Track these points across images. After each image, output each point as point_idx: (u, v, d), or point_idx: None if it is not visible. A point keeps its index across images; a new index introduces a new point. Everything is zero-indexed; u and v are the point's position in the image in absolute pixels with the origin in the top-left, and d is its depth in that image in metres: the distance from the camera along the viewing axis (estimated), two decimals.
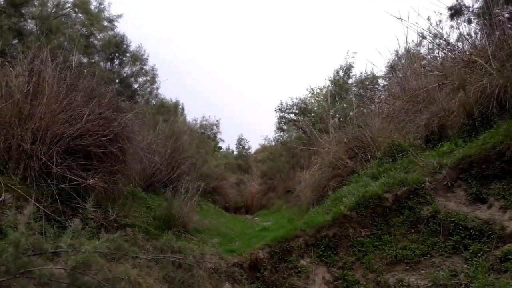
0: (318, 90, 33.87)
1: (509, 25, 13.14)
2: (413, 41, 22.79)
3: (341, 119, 23.25)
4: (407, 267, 7.99)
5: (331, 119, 18.80)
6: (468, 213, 7.95)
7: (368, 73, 30.17)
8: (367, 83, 30.08)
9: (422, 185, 8.79)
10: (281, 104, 32.97)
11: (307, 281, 8.82)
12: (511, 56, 11.08)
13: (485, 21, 14.30)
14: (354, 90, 31.41)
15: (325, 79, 42.18)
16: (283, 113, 34.03)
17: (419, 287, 7.27)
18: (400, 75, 22.20)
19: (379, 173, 11.17)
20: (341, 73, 33.03)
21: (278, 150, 33.53)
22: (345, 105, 27.69)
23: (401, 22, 15.73)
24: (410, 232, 8.49)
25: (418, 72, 17.31)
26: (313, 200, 15.46)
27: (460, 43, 16.48)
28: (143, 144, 12.20)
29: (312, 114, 32.65)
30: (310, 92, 33.45)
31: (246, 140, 42.96)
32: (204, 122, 31.15)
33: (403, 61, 24.76)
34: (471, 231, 7.60)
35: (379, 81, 29.17)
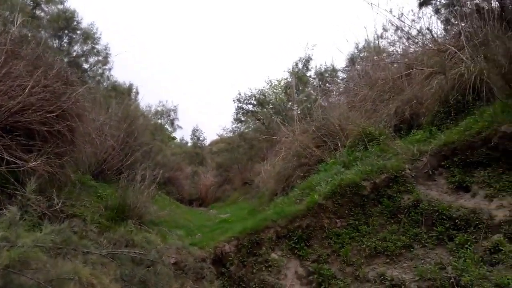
0: (276, 82, 33.31)
1: (477, 15, 13.01)
2: (376, 33, 22.60)
3: (304, 109, 22.82)
4: (388, 260, 7.40)
5: (296, 107, 18.13)
6: (452, 202, 7.48)
7: (328, 65, 30.01)
8: (327, 75, 29.88)
9: (402, 173, 8.26)
10: (240, 94, 32.09)
11: (278, 275, 8.04)
12: (485, 45, 10.87)
13: (453, 11, 14.13)
14: (313, 82, 31.14)
15: (284, 71, 41.67)
16: (241, 104, 33.17)
17: (404, 282, 6.68)
18: (359, 67, 22.08)
19: (350, 161, 10.60)
20: (300, 65, 32.61)
21: (236, 141, 32.64)
22: (304, 98, 27.32)
23: (372, 7, 15.31)
24: (389, 222, 7.93)
25: (383, 62, 17.05)
26: (276, 190, 14.75)
27: (421, 35, 16.36)
28: (95, 125, 10.88)
29: (270, 106, 32.09)
30: (268, 83, 32.83)
31: (201, 131, 41.71)
32: (161, 108, 29.51)
33: (362, 54, 24.74)
34: (456, 221, 7.12)
35: (339, 74, 29.07)
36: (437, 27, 15.34)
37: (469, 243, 6.69)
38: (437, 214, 7.41)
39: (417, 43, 16.32)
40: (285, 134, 15.91)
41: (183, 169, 26.23)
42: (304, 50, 36.69)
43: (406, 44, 17.12)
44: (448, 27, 14.69)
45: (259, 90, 31.96)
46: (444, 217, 7.31)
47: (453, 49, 11.44)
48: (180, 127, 32.50)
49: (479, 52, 10.65)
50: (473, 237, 6.74)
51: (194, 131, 41.82)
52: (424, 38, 15.72)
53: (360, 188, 8.37)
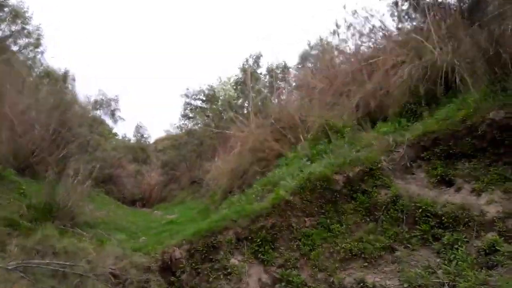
0: (226, 79, 32.07)
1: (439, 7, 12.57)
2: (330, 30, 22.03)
3: (257, 105, 21.77)
4: (366, 264, 6.43)
5: (247, 104, 16.99)
6: (435, 197, 6.66)
7: (280, 61, 29.24)
8: (278, 72, 29.10)
9: (378, 165, 7.35)
10: (188, 89, 30.50)
11: (239, 284, 6.82)
12: (452, 36, 10.34)
13: (414, 4, 13.65)
14: (264, 79, 30.27)
15: (235, 68, 40.53)
16: (189, 99, 31.58)
17: None
18: (311, 65, 21.40)
19: (314, 155, 9.64)
20: (250, 62, 31.59)
21: (184, 138, 31.01)
22: (253, 95, 26.33)
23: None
24: (366, 220, 6.97)
25: (339, 58, 16.36)
26: (230, 188, 13.55)
27: (373, 33, 15.82)
28: (18, 109, 9.09)
29: (220, 103, 30.83)
30: (218, 80, 31.50)
31: (146, 128, 39.47)
32: (100, 97, 26.62)
33: (314, 52, 24.14)
34: (443, 218, 6.29)
35: (291, 71, 28.37)
36: (391, 24, 14.68)
37: (459, 243, 5.85)
38: (420, 211, 6.55)
39: (370, 39, 15.74)
40: (239, 129, 14.73)
41: (125, 166, 24.17)
42: (255, 45, 35.63)
43: (359, 42, 16.51)
44: (406, 22, 14.14)
45: (208, 85, 30.57)
46: (428, 214, 6.46)
47: (420, 38, 10.81)
48: (122, 119, 29.21)
49: (446, 43, 10.09)
50: (464, 236, 5.92)
51: (138, 128, 39.51)
52: (376, 36, 15.13)
53: (331, 182, 7.36)
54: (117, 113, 27.80)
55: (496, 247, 5.50)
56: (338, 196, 7.30)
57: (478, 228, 5.87)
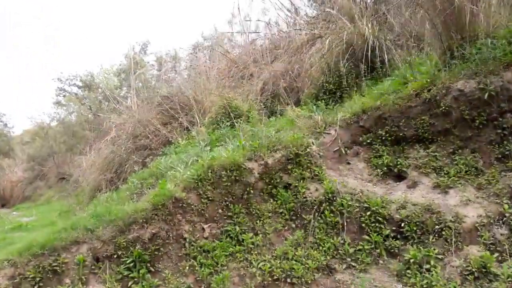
0: (109, 67, 27.98)
1: None
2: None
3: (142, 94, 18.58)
4: None
5: (133, 81, 13.90)
6: (386, 195, 4.68)
7: (169, 50, 26.27)
8: (168, 61, 26.10)
9: (307, 150, 5.15)
10: (61, 73, 25.74)
11: None
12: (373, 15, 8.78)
13: None
14: (151, 69, 27.01)
15: (120, 55, 36.22)
16: (63, 84, 26.76)
17: None
18: (202, 54, 19.08)
19: (213, 141, 7.17)
20: (137, 49, 27.94)
21: (54, 129, 26.12)
22: (140, 84, 23.08)
23: None
24: (291, 228, 4.71)
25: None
26: (102, 183, 10.37)
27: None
28: None
29: (100, 90, 26.65)
30: (99, 67, 27.30)
31: (9, 116, 32.94)
32: None
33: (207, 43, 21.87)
34: (402, 225, 4.31)
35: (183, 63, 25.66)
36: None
37: (431, 262, 3.91)
38: (367, 214, 4.49)
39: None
40: (118, 113, 11.60)
41: None
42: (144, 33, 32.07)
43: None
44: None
45: (86, 70, 26.20)
46: (380, 219, 4.43)
47: (335, 12, 9.02)
48: None
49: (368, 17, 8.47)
50: (436, 251, 3.99)
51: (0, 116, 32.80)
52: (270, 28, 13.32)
53: (243, 172, 4.94)
54: None
55: (488, 267, 3.64)
56: (252, 192, 4.92)
57: (456, 239, 3.98)
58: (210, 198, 4.83)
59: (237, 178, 4.89)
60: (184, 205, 4.73)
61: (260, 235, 4.62)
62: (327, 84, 7.80)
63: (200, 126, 8.34)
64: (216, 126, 8.19)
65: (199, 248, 4.56)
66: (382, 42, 7.52)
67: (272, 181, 4.98)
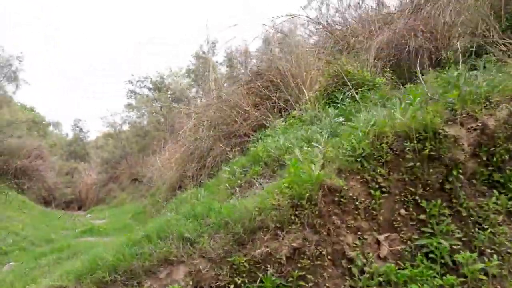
0: (177, 69, 27.00)
1: None
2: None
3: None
4: None
5: (211, 68, 12.25)
6: None
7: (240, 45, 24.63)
8: (237, 55, 24.48)
9: None
10: (133, 75, 25.08)
11: None
12: None
13: None
14: (220, 67, 25.59)
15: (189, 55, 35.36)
16: (134, 86, 26.07)
17: None
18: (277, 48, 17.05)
19: (337, 116, 4.97)
20: (205, 48, 26.63)
21: (126, 131, 25.55)
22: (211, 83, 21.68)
23: None
24: None
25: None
26: (180, 181, 8.72)
27: None
28: None
29: (170, 92, 25.69)
30: (168, 70, 26.37)
31: (85, 121, 33.27)
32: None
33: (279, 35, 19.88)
34: None
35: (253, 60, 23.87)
36: None
37: None
38: None
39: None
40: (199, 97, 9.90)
41: (44, 157, 17.91)
42: (209, 32, 30.86)
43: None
44: None
45: (156, 72, 25.32)
46: None
47: None
48: (27, 83, 18.93)
49: None
50: None
51: (76, 122, 33.28)
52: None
53: (442, 143, 2.74)
54: (21, 76, 18.46)
55: None
56: (459, 177, 2.70)
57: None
58: (385, 189, 2.70)
59: (431, 153, 2.71)
60: (342, 199, 2.65)
61: (495, 256, 2.40)
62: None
63: (306, 103, 6.25)
64: (327, 101, 6.07)
65: (374, 278, 2.45)
66: None
67: (495, 159, 2.74)
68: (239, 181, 4.31)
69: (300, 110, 6.25)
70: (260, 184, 3.64)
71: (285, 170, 3.15)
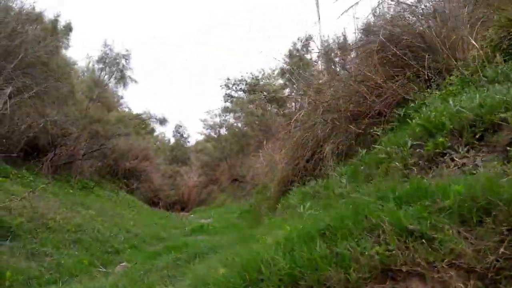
0: (270, 71, 26.19)
1: None
2: None
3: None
4: None
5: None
6: None
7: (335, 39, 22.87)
8: (335, 48, 22.74)
9: None
10: (228, 79, 24.84)
11: None
12: None
13: None
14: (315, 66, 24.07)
15: (281, 54, 34.49)
16: (230, 90, 25.80)
17: None
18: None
19: None
20: (299, 46, 25.35)
21: (225, 134, 25.44)
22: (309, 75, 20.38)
23: None
24: None
25: None
26: (292, 175, 7.52)
27: None
28: None
29: (265, 93, 24.90)
30: (260, 72, 25.69)
31: (185, 127, 34.35)
32: (108, 52, 16.85)
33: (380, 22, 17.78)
34: None
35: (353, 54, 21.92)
36: None
37: None
38: None
39: None
40: (308, 78, 8.69)
41: (151, 159, 18.01)
42: (304, 29, 29.49)
43: None
44: None
45: (251, 74, 24.75)
46: None
47: None
48: (135, 81, 18.80)
49: None
50: None
51: (177, 127, 34.47)
52: None
53: None
54: (128, 73, 17.94)
55: None
56: None
57: None
58: None
59: None
60: None
61: None
62: None
63: (474, 61, 4.61)
64: (504, 57, 4.39)
65: None
66: None
67: None
68: (409, 159, 2.95)
69: (462, 74, 4.64)
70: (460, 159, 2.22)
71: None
